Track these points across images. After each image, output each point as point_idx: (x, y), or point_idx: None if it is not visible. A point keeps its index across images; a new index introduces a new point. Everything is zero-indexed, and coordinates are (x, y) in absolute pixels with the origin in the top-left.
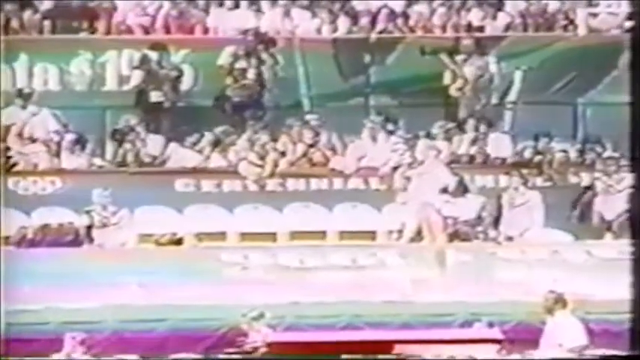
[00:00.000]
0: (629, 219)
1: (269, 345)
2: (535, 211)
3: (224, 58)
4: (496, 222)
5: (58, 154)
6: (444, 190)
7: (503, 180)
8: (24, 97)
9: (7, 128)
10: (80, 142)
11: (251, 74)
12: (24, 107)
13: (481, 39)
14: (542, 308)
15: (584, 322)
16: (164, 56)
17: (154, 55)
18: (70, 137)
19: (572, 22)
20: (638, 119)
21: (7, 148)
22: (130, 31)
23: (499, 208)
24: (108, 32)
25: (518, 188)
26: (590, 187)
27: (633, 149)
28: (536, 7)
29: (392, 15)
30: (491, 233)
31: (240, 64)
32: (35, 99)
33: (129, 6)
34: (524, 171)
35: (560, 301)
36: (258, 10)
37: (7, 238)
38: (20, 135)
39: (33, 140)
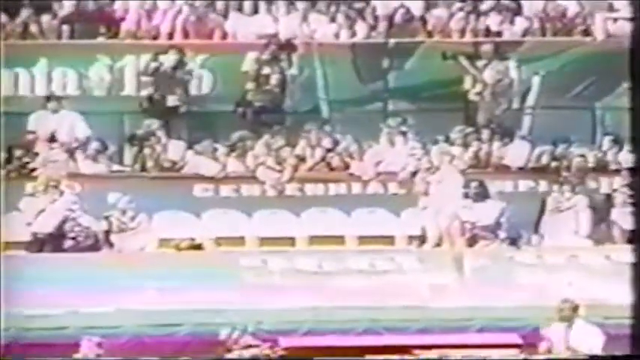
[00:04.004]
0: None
1: (287, 349)
2: (581, 216)
3: (248, 64)
4: (536, 226)
5: (76, 159)
6: (465, 195)
7: (523, 185)
8: (55, 101)
9: (33, 133)
10: (100, 147)
11: (274, 80)
12: (55, 111)
13: (500, 43)
14: (558, 317)
15: (603, 327)
16: (180, 60)
17: (169, 60)
18: (92, 143)
19: (590, 26)
20: (638, 124)
21: (27, 153)
22: (149, 35)
23: (541, 212)
24: (126, 37)
25: (564, 193)
26: (609, 195)
27: (634, 154)
28: (555, 11)
29: (408, 15)
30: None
31: (265, 69)
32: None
33: (148, 10)
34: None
35: (576, 309)
36: (277, 16)
37: (21, 243)
38: (49, 140)
39: (61, 145)
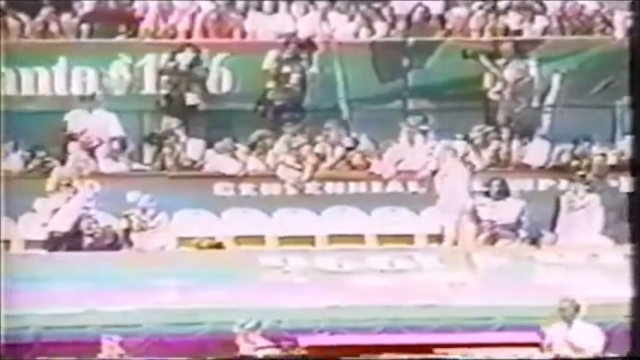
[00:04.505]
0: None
1: (307, 348)
2: (594, 215)
3: (269, 63)
4: (552, 225)
5: (96, 158)
6: (486, 194)
7: (543, 183)
8: (89, 100)
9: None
10: (120, 145)
11: (294, 78)
12: (90, 111)
13: (519, 42)
14: (559, 316)
15: (623, 327)
16: (198, 59)
17: (188, 58)
18: (114, 142)
19: (610, 24)
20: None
21: (49, 153)
22: (169, 34)
23: (556, 211)
24: (146, 35)
25: (578, 191)
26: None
27: (634, 152)
28: (574, 10)
29: (427, 13)
30: (549, 236)
31: (285, 68)
32: (76, 103)
33: (168, 9)
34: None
35: (577, 308)
36: (296, 15)
37: (39, 241)
38: (82, 140)
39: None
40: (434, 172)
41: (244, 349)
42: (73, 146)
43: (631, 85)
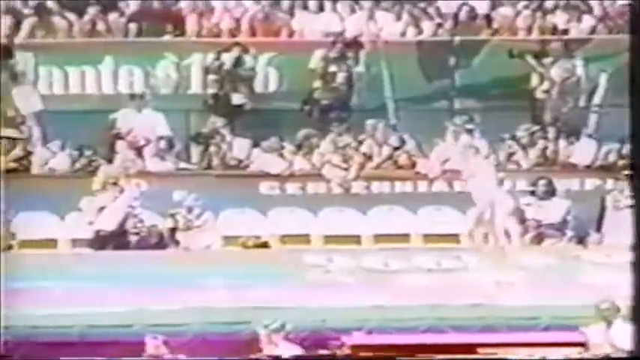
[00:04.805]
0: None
1: (352, 348)
2: None
3: (315, 62)
4: (598, 224)
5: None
6: (532, 193)
7: (589, 183)
8: (138, 99)
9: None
10: (166, 145)
11: (341, 77)
12: (139, 110)
13: (567, 41)
14: (600, 316)
15: None
16: (245, 58)
17: (234, 58)
18: (160, 141)
19: None
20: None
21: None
22: (215, 34)
23: (602, 210)
24: (193, 35)
25: (624, 191)
26: None
27: (634, 153)
28: (620, 9)
29: (473, 13)
30: (595, 236)
31: (332, 67)
32: (124, 102)
33: (215, 9)
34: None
35: (618, 308)
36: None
37: (84, 240)
38: (129, 139)
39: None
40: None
41: (267, 350)
42: (120, 145)
43: (631, 85)
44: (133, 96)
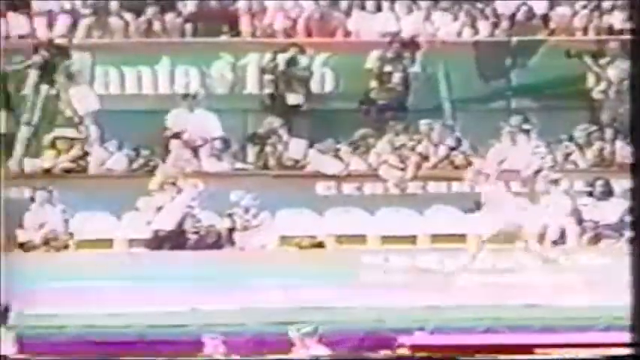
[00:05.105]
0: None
1: (410, 348)
2: None
3: (372, 62)
4: None
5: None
6: (589, 194)
7: None
8: (190, 99)
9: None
10: (223, 145)
11: (397, 78)
12: (191, 110)
13: (624, 41)
14: None
15: None
16: (301, 59)
17: (291, 58)
18: (217, 141)
19: None
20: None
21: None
22: (271, 34)
23: None
24: (250, 35)
25: None
26: None
27: (634, 153)
28: None
29: (530, 13)
30: None
31: (388, 67)
32: (179, 102)
33: (271, 9)
34: None
35: None
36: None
37: (142, 240)
38: (184, 139)
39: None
40: (537, 172)
41: (301, 354)
42: (173, 145)
43: (631, 85)
44: (185, 96)
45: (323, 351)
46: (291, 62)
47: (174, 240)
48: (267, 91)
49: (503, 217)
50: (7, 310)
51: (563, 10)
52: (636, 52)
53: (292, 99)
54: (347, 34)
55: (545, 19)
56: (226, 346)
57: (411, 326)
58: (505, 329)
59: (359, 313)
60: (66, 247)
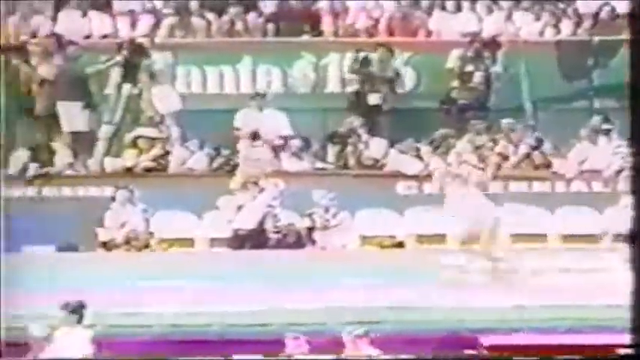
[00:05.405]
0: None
1: (490, 348)
2: None
3: (452, 61)
4: None
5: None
6: None
7: None
8: (259, 98)
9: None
10: (303, 144)
11: (478, 77)
12: (261, 109)
13: None
14: None
15: None
16: (384, 58)
17: (374, 58)
18: (295, 140)
19: None
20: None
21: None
22: (352, 33)
23: None
24: (331, 35)
25: None
26: None
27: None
28: None
29: (613, 13)
30: None
31: (468, 67)
32: (262, 101)
33: (353, 9)
34: None
35: None
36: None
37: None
38: (252, 138)
39: (263, 143)
40: (618, 172)
41: (353, 356)
42: (247, 144)
43: (631, 85)
44: (254, 95)
45: (373, 352)
46: (373, 62)
47: (254, 239)
48: (349, 90)
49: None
50: (82, 307)
51: None
52: (636, 53)
53: (374, 98)
54: (428, 33)
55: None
56: (308, 346)
57: (492, 327)
58: (588, 329)
59: (439, 313)
60: (147, 246)
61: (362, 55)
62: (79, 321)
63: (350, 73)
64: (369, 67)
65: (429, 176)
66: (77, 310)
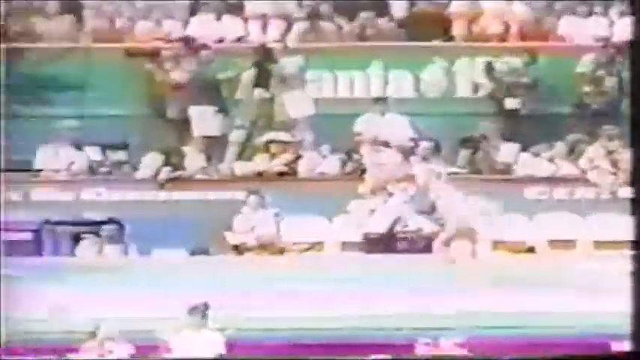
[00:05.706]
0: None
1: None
2: None
3: (585, 66)
4: None
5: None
6: None
7: None
8: (381, 103)
9: (360, 135)
10: (433, 149)
11: (610, 82)
12: (382, 114)
13: None
14: None
15: None
16: (514, 63)
17: (504, 62)
18: (424, 144)
19: None
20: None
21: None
22: (484, 38)
23: None
24: (463, 39)
25: None
26: None
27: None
28: None
29: None
30: None
31: (600, 71)
32: (391, 106)
33: (485, 13)
34: None
35: None
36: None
37: (355, 243)
38: (374, 142)
39: (387, 147)
40: None
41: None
42: (370, 149)
43: (631, 85)
44: (376, 100)
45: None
46: (505, 66)
47: (385, 243)
48: (480, 94)
49: None
50: (206, 307)
51: None
52: (636, 53)
53: (509, 103)
54: (559, 38)
55: None
56: (438, 350)
57: (624, 332)
58: None
59: (570, 317)
60: (280, 251)
61: (493, 59)
62: (205, 324)
63: (481, 77)
64: (499, 71)
65: (560, 181)
66: (203, 312)
